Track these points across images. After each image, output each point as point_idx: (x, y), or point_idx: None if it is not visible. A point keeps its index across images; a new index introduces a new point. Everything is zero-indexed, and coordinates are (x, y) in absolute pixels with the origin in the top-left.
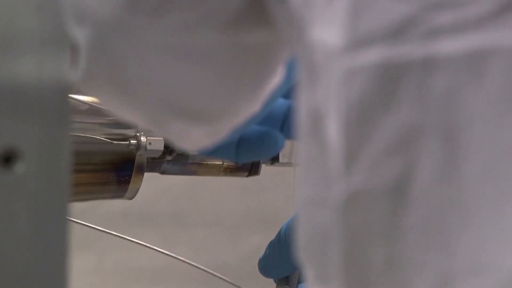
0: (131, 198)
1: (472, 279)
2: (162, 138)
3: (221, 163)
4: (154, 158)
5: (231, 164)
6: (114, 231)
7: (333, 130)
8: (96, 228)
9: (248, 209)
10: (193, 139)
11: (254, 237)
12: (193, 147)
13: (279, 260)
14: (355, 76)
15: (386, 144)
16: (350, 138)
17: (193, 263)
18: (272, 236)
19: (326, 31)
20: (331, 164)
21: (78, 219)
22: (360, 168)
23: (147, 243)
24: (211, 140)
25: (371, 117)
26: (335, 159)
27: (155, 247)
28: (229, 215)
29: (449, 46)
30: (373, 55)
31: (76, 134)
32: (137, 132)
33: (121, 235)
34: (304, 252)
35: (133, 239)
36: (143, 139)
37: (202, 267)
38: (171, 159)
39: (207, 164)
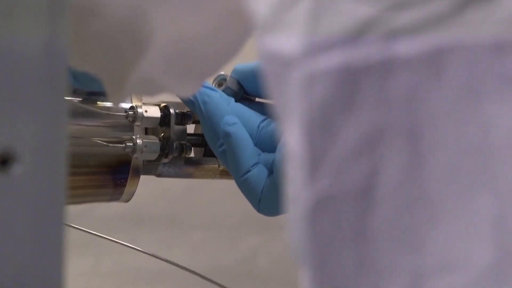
0: (127, 201)
1: (443, 276)
2: (158, 141)
3: (217, 166)
4: (150, 161)
5: None
6: (111, 234)
7: (295, 137)
8: (91, 232)
9: (245, 211)
10: None
11: (251, 239)
12: None
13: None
14: (316, 81)
15: (350, 147)
16: (313, 143)
17: (186, 267)
18: (269, 237)
19: (283, 39)
20: (295, 172)
21: (74, 222)
22: (325, 173)
23: (144, 245)
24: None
25: (334, 121)
26: (299, 167)
27: (146, 251)
28: (226, 217)
29: (408, 46)
30: (333, 60)
31: (72, 136)
32: (133, 135)
33: (116, 240)
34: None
35: (126, 244)
36: (139, 141)
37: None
38: (167, 162)
39: (204, 167)
